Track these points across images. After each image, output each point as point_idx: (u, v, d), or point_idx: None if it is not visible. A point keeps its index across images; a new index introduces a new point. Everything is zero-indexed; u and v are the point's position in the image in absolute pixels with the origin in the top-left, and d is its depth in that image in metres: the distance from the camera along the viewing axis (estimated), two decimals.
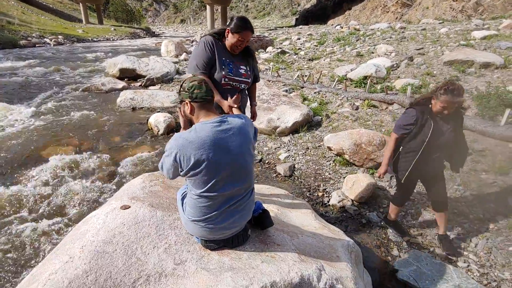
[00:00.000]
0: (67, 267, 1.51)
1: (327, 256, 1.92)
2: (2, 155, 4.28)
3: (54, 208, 3.27)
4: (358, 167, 3.95)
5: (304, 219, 2.44)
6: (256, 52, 12.87)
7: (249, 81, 2.43)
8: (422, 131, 2.47)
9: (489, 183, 3.32)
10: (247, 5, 72.23)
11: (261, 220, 1.98)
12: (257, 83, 2.67)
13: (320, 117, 5.37)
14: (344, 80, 7.05)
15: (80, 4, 42.75)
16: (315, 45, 13.08)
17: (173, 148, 1.61)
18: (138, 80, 9.32)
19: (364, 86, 6.44)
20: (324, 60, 9.83)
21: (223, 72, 2.27)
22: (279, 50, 12.25)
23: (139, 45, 22.74)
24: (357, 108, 5.67)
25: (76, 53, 16.57)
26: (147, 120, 5.60)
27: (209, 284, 1.53)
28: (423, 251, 2.69)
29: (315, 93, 6.74)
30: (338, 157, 4.12)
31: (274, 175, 4.03)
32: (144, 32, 41.93)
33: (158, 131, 5.24)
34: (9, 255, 2.62)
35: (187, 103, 1.73)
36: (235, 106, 2.14)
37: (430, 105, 2.46)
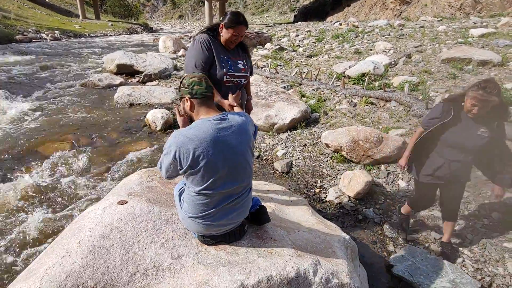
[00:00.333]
0: (64, 261, 1.51)
1: (323, 251, 1.94)
2: None
3: (51, 203, 3.27)
4: (355, 163, 3.97)
5: (301, 215, 2.45)
6: (255, 49, 12.83)
7: (248, 75, 2.42)
8: (444, 128, 2.26)
9: (484, 180, 3.35)
10: (245, 1, 71.85)
11: (258, 216, 1.99)
12: (251, 78, 2.67)
13: (318, 114, 5.37)
14: (342, 77, 7.06)
15: None
16: (313, 42, 13.06)
17: (173, 146, 1.60)
18: (135, 76, 9.29)
19: (362, 83, 6.45)
20: (322, 57, 9.82)
21: (224, 70, 2.23)
22: (278, 46, 12.22)
23: (137, 41, 22.60)
24: (355, 105, 5.68)
25: (73, 48, 16.45)
26: (145, 116, 5.59)
27: (206, 278, 1.54)
28: (418, 246, 2.71)
29: (313, 90, 6.74)
30: (336, 153, 4.14)
31: (272, 171, 4.04)
32: (142, 27, 41.63)
33: (156, 127, 5.23)
34: (5, 250, 2.62)
35: (187, 99, 1.72)
36: (235, 104, 2.13)
37: (462, 103, 2.22)
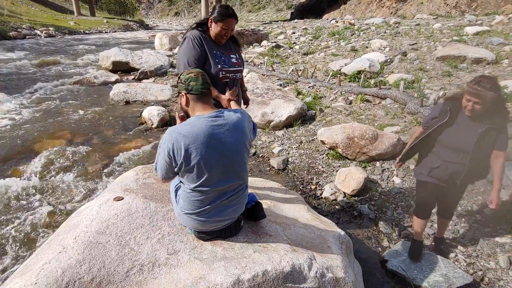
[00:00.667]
0: (61, 257, 1.52)
1: (318, 246, 1.96)
2: None
3: (47, 200, 3.26)
4: (351, 160, 4.00)
5: (297, 211, 2.47)
6: (251, 46, 12.81)
7: (242, 69, 2.38)
8: (442, 128, 2.19)
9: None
10: None
11: (254, 212, 2.00)
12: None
13: (314, 111, 5.39)
14: (338, 75, 7.08)
15: None
16: (310, 40, 13.07)
17: (166, 143, 1.60)
18: (131, 73, 9.24)
19: (358, 81, 6.48)
20: (318, 55, 9.84)
21: (219, 66, 2.19)
22: (274, 44, 12.22)
23: (132, 38, 22.46)
24: (350, 103, 5.71)
25: (67, 45, 16.31)
26: (141, 113, 5.58)
27: (202, 273, 1.56)
28: None
29: (309, 87, 6.76)
30: (331, 150, 4.16)
31: (268, 168, 4.06)
32: (138, 24, 41.34)
33: (152, 124, 5.22)
34: (2, 246, 2.62)
35: (183, 95, 1.73)
36: (233, 99, 2.13)
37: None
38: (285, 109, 5.05)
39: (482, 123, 2.05)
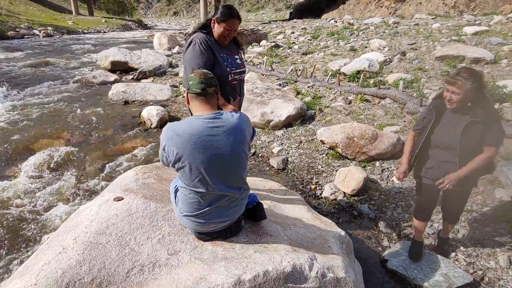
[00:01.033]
0: (61, 257, 1.51)
1: (319, 246, 1.96)
2: None
3: (46, 200, 3.25)
4: (351, 160, 4.00)
5: (297, 211, 2.47)
6: (250, 46, 12.80)
7: (246, 69, 2.37)
8: (432, 127, 2.15)
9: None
10: None
11: (255, 213, 2.00)
12: None
13: (314, 111, 5.39)
14: (338, 75, 7.08)
15: None
16: (309, 39, 13.07)
17: (163, 139, 1.65)
18: (130, 73, 9.22)
19: (357, 81, 6.48)
20: (318, 54, 9.84)
21: (228, 69, 2.17)
22: (273, 44, 12.21)
23: (131, 38, 22.40)
24: (350, 102, 5.71)
25: (66, 45, 16.26)
26: (140, 113, 5.56)
27: (202, 274, 1.55)
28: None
29: (308, 87, 6.75)
30: (331, 150, 4.16)
31: (268, 168, 4.06)
32: (136, 24, 41.25)
33: (151, 124, 5.21)
34: (1, 247, 2.60)
35: (187, 92, 1.76)
36: (238, 109, 2.12)
37: None
38: (284, 108, 5.05)
39: (465, 117, 2.01)
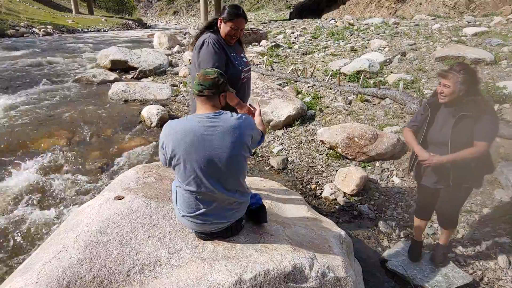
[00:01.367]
0: (62, 256, 1.51)
1: (319, 246, 1.96)
2: None
3: (46, 199, 3.25)
4: (351, 160, 4.00)
5: (297, 210, 2.47)
6: (250, 46, 12.79)
7: (251, 67, 2.41)
8: (428, 125, 2.15)
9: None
10: None
11: (257, 215, 1.99)
12: None
13: (314, 111, 5.39)
14: (338, 75, 7.09)
15: None
16: (309, 39, 13.07)
17: (162, 136, 1.68)
18: (130, 72, 9.20)
19: (358, 81, 6.48)
20: (318, 55, 9.85)
21: (240, 68, 2.19)
22: (273, 43, 12.21)
23: (131, 37, 22.37)
24: (350, 103, 5.72)
25: (66, 43, 16.23)
26: (140, 112, 5.56)
27: (203, 273, 1.55)
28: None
29: (308, 87, 6.76)
30: (331, 150, 4.16)
31: (268, 168, 4.06)
32: (136, 23, 41.17)
33: (151, 123, 5.21)
34: (2, 245, 2.60)
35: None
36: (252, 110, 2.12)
37: None
38: (284, 108, 5.05)
39: (456, 111, 2.01)
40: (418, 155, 2.16)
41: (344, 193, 3.42)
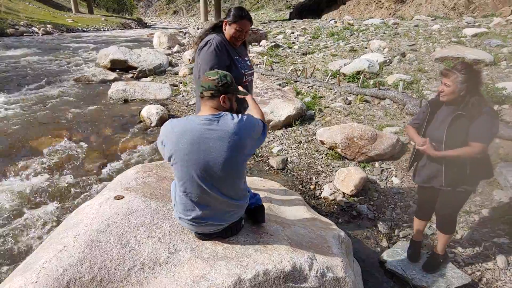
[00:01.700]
0: (61, 255, 1.51)
1: (318, 246, 1.96)
2: None
3: (46, 198, 3.25)
4: (350, 160, 4.01)
5: (297, 210, 2.48)
6: (250, 46, 12.79)
7: (254, 71, 2.41)
8: (427, 124, 2.15)
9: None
10: None
11: (255, 214, 2.00)
12: None
13: (313, 111, 5.40)
14: (338, 75, 7.09)
15: None
16: (309, 40, 13.08)
17: (161, 133, 1.69)
18: (129, 71, 9.19)
19: (357, 81, 6.49)
20: (318, 55, 9.85)
21: (242, 71, 2.20)
22: (273, 43, 12.21)
23: (131, 36, 22.35)
24: (349, 103, 5.72)
25: (65, 43, 16.21)
26: (140, 112, 5.55)
27: (203, 272, 1.55)
28: None
29: (308, 87, 6.76)
30: (331, 150, 4.17)
31: (267, 168, 4.06)
32: (136, 23, 41.18)
33: (151, 123, 5.21)
34: (1, 244, 2.60)
35: None
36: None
37: None
38: (284, 109, 5.05)
39: (455, 111, 2.00)
40: (415, 141, 2.18)
41: (344, 193, 3.43)
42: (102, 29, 29.38)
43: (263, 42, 13.24)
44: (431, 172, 2.18)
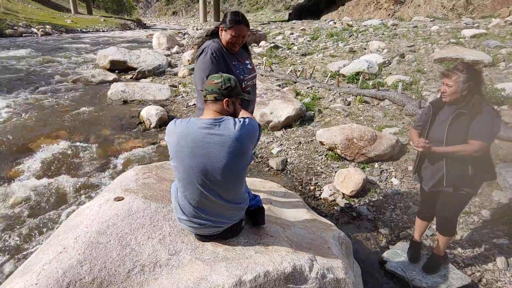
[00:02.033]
0: (61, 257, 1.51)
1: (318, 247, 1.96)
2: None
3: (46, 200, 3.24)
4: (350, 161, 4.01)
5: (296, 211, 2.48)
6: (249, 47, 12.81)
7: (256, 73, 2.36)
8: (430, 125, 2.14)
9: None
10: None
11: (255, 216, 1.99)
12: None
13: (313, 112, 5.40)
14: (337, 76, 7.11)
15: None
16: (308, 40, 13.10)
17: (166, 133, 1.70)
18: (129, 72, 9.20)
19: (356, 82, 6.50)
20: (317, 56, 9.86)
21: (241, 76, 2.17)
22: (272, 44, 12.23)
23: (130, 37, 22.35)
24: (349, 104, 5.73)
25: (64, 43, 16.20)
26: (139, 113, 5.55)
27: (203, 274, 1.55)
28: None
29: (307, 88, 6.77)
30: (330, 151, 4.17)
31: (267, 169, 4.06)
32: (135, 23, 41.15)
33: (150, 124, 5.20)
34: (1, 247, 2.59)
35: None
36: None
37: None
38: (284, 109, 5.05)
39: (456, 110, 2.00)
40: (413, 141, 2.18)
41: (343, 194, 3.43)
42: (101, 30, 29.37)
43: (262, 43, 13.26)
44: (433, 174, 2.16)
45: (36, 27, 21.92)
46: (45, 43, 15.87)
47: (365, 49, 9.82)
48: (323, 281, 1.70)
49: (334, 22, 19.78)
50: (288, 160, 4.19)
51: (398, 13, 23.05)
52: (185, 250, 1.71)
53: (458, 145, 1.98)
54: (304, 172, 3.92)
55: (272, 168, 4.05)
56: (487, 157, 2.06)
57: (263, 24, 28.28)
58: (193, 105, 6.18)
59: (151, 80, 8.43)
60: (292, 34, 16.01)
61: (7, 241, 2.65)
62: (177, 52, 12.49)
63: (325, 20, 25.40)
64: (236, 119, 1.63)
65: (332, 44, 11.34)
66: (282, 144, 4.56)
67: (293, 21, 29.55)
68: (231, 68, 2.13)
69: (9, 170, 3.73)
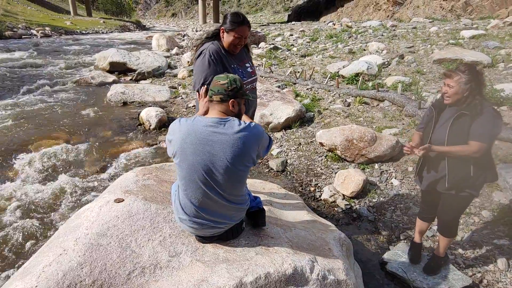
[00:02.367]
0: (61, 259, 1.50)
1: (319, 248, 1.96)
2: None
3: (45, 201, 3.23)
4: (350, 162, 4.01)
5: (297, 213, 2.47)
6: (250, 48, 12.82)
7: (257, 76, 2.33)
8: (432, 126, 2.13)
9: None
10: (239, 0, 71.73)
11: (255, 218, 1.98)
12: None
13: (313, 113, 5.41)
14: (336, 77, 7.11)
15: None
16: (307, 42, 13.11)
17: (170, 131, 1.69)
18: (128, 74, 9.21)
19: (356, 83, 6.51)
20: (316, 57, 9.88)
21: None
22: (272, 46, 12.24)
23: (129, 39, 22.36)
24: (349, 105, 5.73)
25: (64, 45, 16.21)
26: (139, 114, 5.55)
27: (204, 276, 1.55)
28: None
29: (307, 89, 6.77)
30: (330, 152, 4.17)
31: (267, 170, 4.06)
32: (135, 25, 41.22)
33: (150, 125, 5.20)
34: (0, 249, 2.58)
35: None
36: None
37: None
38: (283, 111, 5.06)
39: (457, 110, 1.99)
40: (412, 144, 2.16)
41: (344, 195, 3.42)
42: (100, 32, 29.40)
43: (261, 44, 13.28)
44: (435, 176, 2.15)
45: (35, 29, 21.95)
46: (45, 45, 15.88)
47: (364, 50, 9.84)
48: (324, 283, 1.69)
49: (333, 24, 19.82)
50: (288, 161, 4.18)
51: (397, 14, 23.12)
52: (185, 251, 1.71)
53: (457, 146, 1.98)
54: (304, 173, 3.91)
55: (272, 169, 4.05)
56: (489, 158, 2.06)
57: (263, 25, 28.34)
58: (192, 106, 6.18)
59: (151, 82, 8.43)
60: (292, 35, 16.04)
61: (7, 243, 2.64)
62: (177, 54, 12.51)
63: (324, 22, 25.45)
64: (242, 121, 1.65)
65: (331, 45, 11.36)
66: (282, 145, 4.56)
67: (292, 22, 29.61)
68: (229, 71, 2.11)
69: (8, 171, 3.72)
